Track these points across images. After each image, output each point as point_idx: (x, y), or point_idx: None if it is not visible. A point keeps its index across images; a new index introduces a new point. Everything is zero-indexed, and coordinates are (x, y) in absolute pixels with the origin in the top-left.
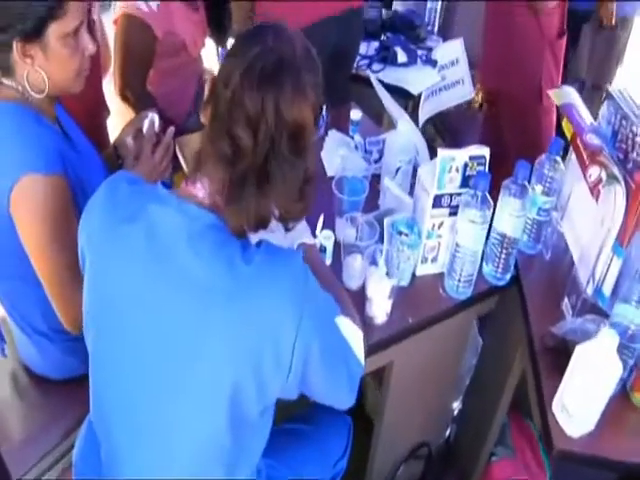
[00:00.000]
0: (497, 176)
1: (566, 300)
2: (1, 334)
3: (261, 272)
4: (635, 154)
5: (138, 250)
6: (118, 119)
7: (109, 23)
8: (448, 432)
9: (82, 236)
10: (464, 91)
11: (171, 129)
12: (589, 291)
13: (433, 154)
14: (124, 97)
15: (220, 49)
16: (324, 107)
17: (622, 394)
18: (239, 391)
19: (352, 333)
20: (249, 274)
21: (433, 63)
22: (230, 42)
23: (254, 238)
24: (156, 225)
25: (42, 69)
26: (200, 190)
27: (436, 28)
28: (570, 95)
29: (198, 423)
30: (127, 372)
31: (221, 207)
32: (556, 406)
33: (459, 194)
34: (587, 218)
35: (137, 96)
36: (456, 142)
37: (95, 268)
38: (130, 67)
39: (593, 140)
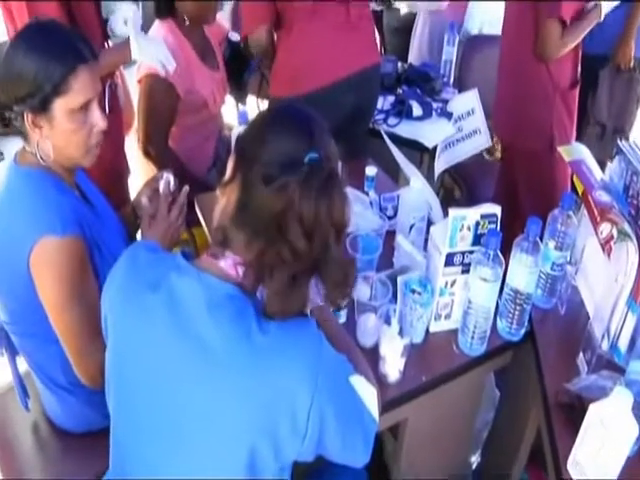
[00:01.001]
0: (512, 229)
1: (581, 355)
2: (25, 389)
3: (277, 343)
4: None
5: (159, 318)
6: (140, 175)
7: (133, 81)
8: None
9: (105, 304)
10: (481, 140)
11: (185, 188)
12: (604, 347)
13: (452, 202)
14: (147, 154)
15: (240, 105)
16: None
17: None
18: (255, 455)
19: (366, 391)
20: (265, 345)
21: (448, 115)
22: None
23: None
24: (177, 294)
25: (49, 140)
26: (221, 260)
27: (452, 80)
28: (580, 151)
29: None
30: (145, 435)
31: (243, 278)
32: (571, 464)
33: (471, 252)
34: (600, 273)
35: (159, 152)
36: (473, 192)
37: (117, 334)
38: (153, 125)
39: (602, 197)
